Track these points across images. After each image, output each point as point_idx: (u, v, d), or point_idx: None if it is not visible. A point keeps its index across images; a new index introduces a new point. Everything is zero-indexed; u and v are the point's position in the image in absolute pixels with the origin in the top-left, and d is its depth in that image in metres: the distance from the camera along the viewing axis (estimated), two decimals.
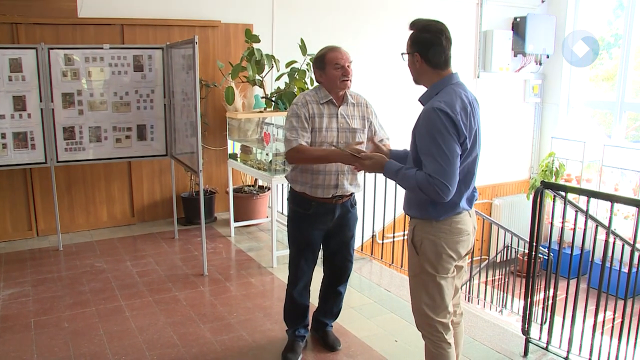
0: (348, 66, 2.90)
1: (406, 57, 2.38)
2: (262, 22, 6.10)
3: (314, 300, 3.33)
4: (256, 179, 5.89)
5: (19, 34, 5.03)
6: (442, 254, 2.33)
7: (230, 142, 5.59)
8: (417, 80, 2.42)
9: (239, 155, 5.43)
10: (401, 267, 5.10)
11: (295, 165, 2.99)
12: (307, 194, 2.97)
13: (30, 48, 4.72)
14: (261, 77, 5.46)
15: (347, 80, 2.91)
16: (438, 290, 2.37)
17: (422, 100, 2.36)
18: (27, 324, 3.60)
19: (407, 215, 2.50)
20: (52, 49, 4.78)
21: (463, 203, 2.35)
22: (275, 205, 4.71)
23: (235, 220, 5.54)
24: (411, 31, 2.34)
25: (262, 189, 5.90)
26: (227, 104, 5.43)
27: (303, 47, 5.25)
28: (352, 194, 3.09)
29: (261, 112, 5.34)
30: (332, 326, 3.39)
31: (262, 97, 5.51)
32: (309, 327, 3.36)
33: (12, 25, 5.00)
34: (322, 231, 3.07)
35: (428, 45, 2.29)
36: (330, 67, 2.89)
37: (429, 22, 2.32)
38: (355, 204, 3.17)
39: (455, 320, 2.58)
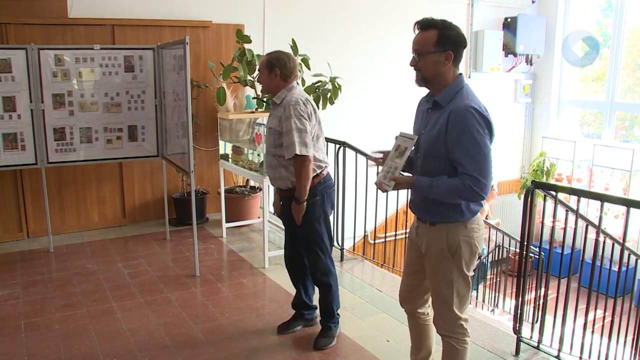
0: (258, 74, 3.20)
1: (427, 56, 2.21)
2: (254, 22, 6.09)
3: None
4: (248, 180, 5.88)
5: (8, 34, 4.99)
6: (475, 253, 2.34)
7: (221, 143, 5.57)
8: (429, 80, 2.26)
9: (230, 156, 5.42)
10: (393, 267, 5.10)
11: None
12: None
13: (19, 48, 4.68)
14: (252, 77, 5.45)
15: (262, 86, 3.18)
16: (467, 289, 2.37)
17: (441, 101, 2.23)
18: (18, 326, 3.58)
19: (424, 222, 2.40)
20: (42, 49, 4.75)
21: None
22: (267, 206, 4.70)
23: (227, 221, 5.52)
24: (429, 30, 2.20)
25: (254, 189, 5.89)
26: (219, 104, 5.42)
27: (294, 48, 5.25)
28: (290, 189, 3.12)
29: (252, 112, 5.33)
30: (331, 325, 3.35)
31: (254, 98, 5.51)
32: (306, 312, 3.51)
33: (1, 26, 4.96)
34: (285, 216, 3.26)
35: (459, 43, 2.21)
36: None
37: (444, 21, 2.21)
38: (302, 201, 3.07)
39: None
